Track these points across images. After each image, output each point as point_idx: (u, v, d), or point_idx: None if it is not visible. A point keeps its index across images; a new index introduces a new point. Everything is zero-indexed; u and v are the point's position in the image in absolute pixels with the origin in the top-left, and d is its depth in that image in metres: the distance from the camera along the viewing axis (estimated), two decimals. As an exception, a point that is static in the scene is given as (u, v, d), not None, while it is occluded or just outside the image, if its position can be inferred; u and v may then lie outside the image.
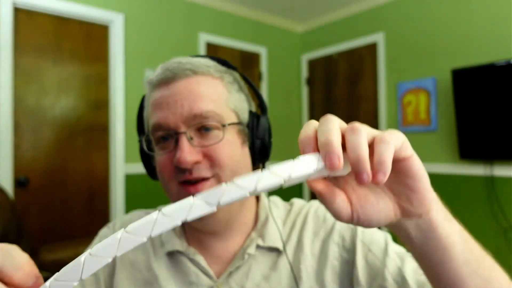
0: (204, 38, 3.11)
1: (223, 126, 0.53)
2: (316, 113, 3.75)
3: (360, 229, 0.59)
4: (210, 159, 0.53)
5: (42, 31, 2.39)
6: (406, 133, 2.94)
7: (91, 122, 2.57)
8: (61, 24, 2.47)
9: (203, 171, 0.52)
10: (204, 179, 0.53)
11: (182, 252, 0.58)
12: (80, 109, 2.53)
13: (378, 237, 0.58)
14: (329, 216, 0.62)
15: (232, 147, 0.54)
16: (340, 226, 0.60)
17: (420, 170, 0.33)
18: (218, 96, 0.55)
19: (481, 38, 2.53)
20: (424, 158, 2.83)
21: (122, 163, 2.64)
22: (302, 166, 0.30)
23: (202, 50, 3.08)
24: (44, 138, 2.39)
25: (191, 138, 0.52)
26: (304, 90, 3.84)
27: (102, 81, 2.62)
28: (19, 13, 2.30)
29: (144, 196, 2.67)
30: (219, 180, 0.53)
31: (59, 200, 2.43)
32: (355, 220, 0.34)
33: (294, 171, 0.30)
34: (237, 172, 0.54)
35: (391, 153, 0.30)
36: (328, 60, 3.62)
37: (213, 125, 0.53)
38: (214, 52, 3.11)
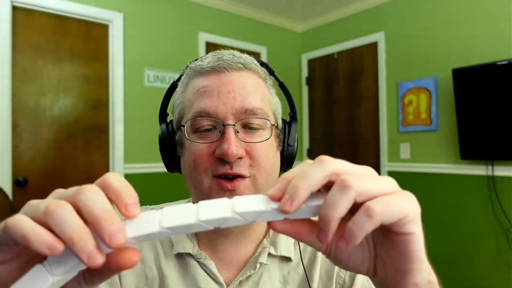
0: (204, 37, 3.10)
1: (272, 125, 0.54)
2: (316, 113, 3.74)
3: None
4: (251, 157, 0.52)
5: (41, 30, 2.38)
6: (406, 133, 2.93)
7: (90, 122, 2.56)
8: (60, 23, 2.45)
9: (243, 168, 0.51)
10: (241, 177, 0.51)
11: (193, 255, 0.56)
12: (79, 109, 2.52)
13: None
14: None
15: (271, 149, 0.55)
16: None
17: (416, 253, 0.29)
18: (264, 95, 0.55)
19: (482, 37, 2.52)
20: (424, 158, 2.84)
21: (122, 163, 2.62)
22: (247, 205, 0.28)
23: (202, 49, 3.07)
24: (43, 138, 2.37)
25: (237, 132, 0.52)
26: (304, 90, 3.83)
27: (101, 80, 2.61)
28: (17, 11, 2.29)
29: (143, 196, 2.64)
30: (254, 181, 0.53)
31: (58, 201, 2.41)
32: (329, 256, 0.33)
33: (239, 207, 0.28)
34: (271, 175, 0.54)
35: (369, 228, 0.26)
36: (328, 60, 3.61)
37: (259, 123, 0.53)
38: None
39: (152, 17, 2.83)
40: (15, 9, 2.27)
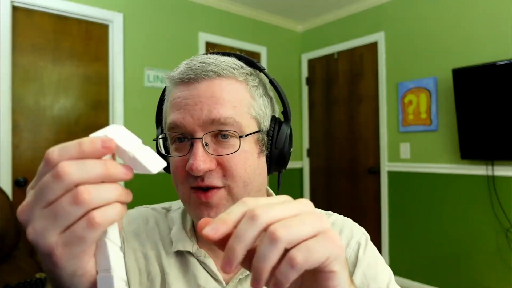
0: (204, 37, 3.10)
1: (240, 137, 0.52)
2: (316, 113, 3.74)
3: (366, 260, 0.58)
4: (223, 168, 0.51)
5: (41, 30, 2.38)
6: (406, 133, 2.93)
7: (90, 122, 2.56)
8: (60, 23, 2.45)
9: (215, 179, 0.51)
10: (215, 188, 0.51)
11: (192, 253, 0.57)
12: (79, 109, 2.52)
13: (382, 277, 0.57)
14: (343, 237, 0.61)
15: (247, 157, 0.53)
16: (349, 249, 0.60)
17: None
18: (239, 102, 0.53)
19: (482, 37, 2.52)
20: (425, 158, 2.84)
21: (122, 163, 2.62)
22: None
23: (202, 49, 3.07)
24: (43, 138, 2.37)
25: (207, 145, 0.51)
26: (304, 90, 3.83)
27: (101, 80, 2.61)
28: (17, 12, 2.29)
29: (143, 196, 2.65)
30: (230, 191, 0.52)
31: (58, 201, 2.41)
32: None
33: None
34: (250, 183, 0.53)
35: (293, 277, 0.28)
36: (328, 60, 3.61)
37: (231, 133, 0.51)
38: (214, 52, 3.11)
39: (152, 17, 2.83)
40: (15, 9, 2.27)
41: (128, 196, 0.31)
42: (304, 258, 0.28)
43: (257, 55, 3.50)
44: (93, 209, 0.28)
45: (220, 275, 0.55)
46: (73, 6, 2.45)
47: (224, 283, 0.55)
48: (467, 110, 2.47)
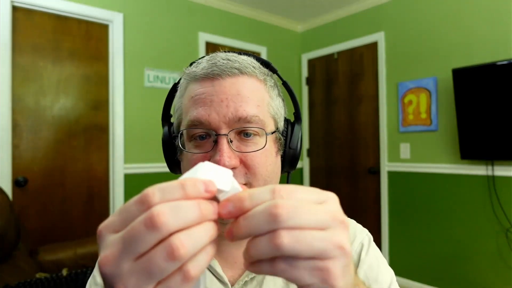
0: (204, 37, 3.10)
1: (266, 134, 0.53)
2: (316, 113, 3.74)
3: (368, 261, 0.58)
4: (246, 166, 0.51)
5: (41, 30, 2.38)
6: (406, 133, 2.93)
7: (90, 122, 2.56)
8: (60, 23, 2.45)
9: (238, 176, 0.51)
10: None
11: None
12: (79, 109, 2.52)
13: (384, 278, 0.57)
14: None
15: (268, 156, 0.53)
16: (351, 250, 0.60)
17: None
18: (261, 101, 0.54)
19: (482, 37, 2.52)
20: (424, 158, 2.83)
21: (122, 163, 2.62)
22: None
23: (202, 49, 3.07)
24: (43, 138, 2.37)
25: (231, 141, 0.51)
26: (304, 90, 3.83)
27: (101, 80, 2.61)
28: (17, 11, 2.29)
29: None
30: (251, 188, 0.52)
31: (58, 201, 2.41)
32: None
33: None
34: (269, 182, 0.54)
35: (266, 255, 0.27)
36: (328, 60, 3.61)
37: (255, 131, 0.52)
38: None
39: (152, 17, 2.83)
40: (15, 9, 2.27)
41: (218, 230, 0.28)
42: (289, 244, 0.26)
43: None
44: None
45: (225, 277, 0.55)
46: (73, 6, 2.45)
47: (229, 284, 0.55)
48: (467, 110, 2.47)
